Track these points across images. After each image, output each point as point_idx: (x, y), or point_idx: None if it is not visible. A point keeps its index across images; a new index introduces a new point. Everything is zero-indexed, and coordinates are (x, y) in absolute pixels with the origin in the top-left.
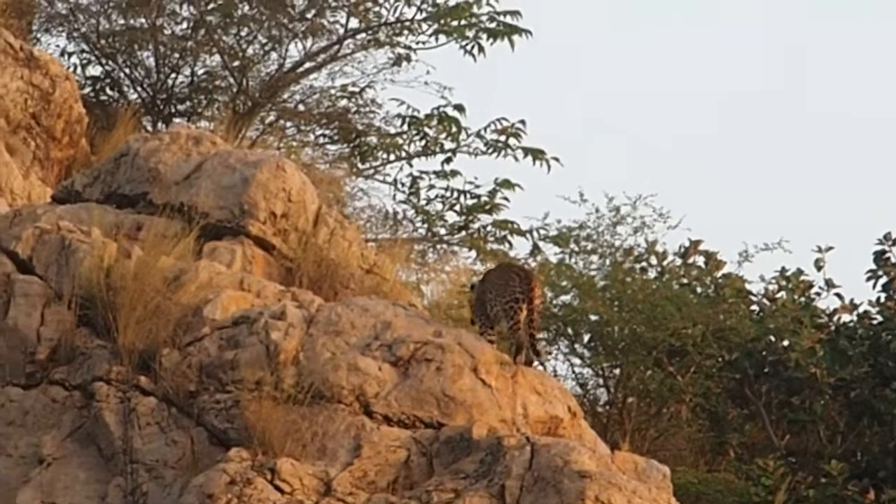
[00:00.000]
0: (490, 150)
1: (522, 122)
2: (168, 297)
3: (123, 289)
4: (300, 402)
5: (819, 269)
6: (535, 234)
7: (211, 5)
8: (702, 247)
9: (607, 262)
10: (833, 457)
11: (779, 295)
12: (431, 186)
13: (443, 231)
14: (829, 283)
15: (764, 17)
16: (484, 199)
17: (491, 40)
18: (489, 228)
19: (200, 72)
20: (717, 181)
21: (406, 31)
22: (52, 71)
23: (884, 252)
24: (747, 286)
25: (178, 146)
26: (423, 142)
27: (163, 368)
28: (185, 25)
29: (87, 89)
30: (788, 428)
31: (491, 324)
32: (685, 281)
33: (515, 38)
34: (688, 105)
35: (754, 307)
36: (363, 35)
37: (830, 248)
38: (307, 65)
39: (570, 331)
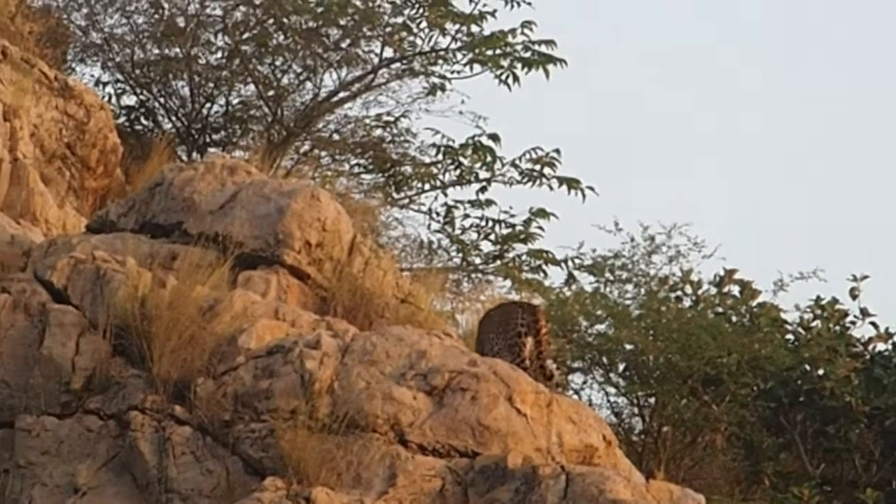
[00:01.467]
0: (525, 180)
1: (557, 151)
2: (203, 327)
3: (158, 318)
4: (335, 432)
5: (854, 297)
6: (570, 263)
7: (246, 35)
8: (737, 276)
9: (642, 291)
10: (868, 485)
11: (814, 324)
12: (466, 216)
13: (478, 260)
14: (865, 312)
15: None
16: (519, 228)
17: (526, 69)
18: (524, 258)
19: (235, 101)
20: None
21: (441, 61)
22: (87, 101)
23: None
24: (782, 315)
25: (212, 176)
26: (458, 171)
27: (198, 398)
28: (219, 55)
29: (122, 119)
30: (823, 456)
31: None
32: (720, 310)
33: (550, 67)
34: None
35: (789, 336)
36: (398, 65)
37: (866, 276)
38: (342, 94)
39: (605, 360)
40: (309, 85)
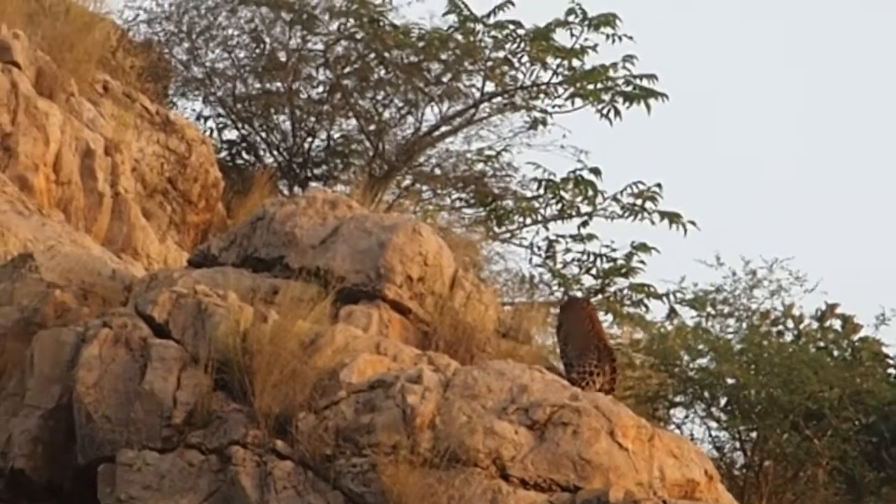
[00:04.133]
0: (626, 214)
1: (659, 185)
2: (304, 361)
3: (260, 353)
4: (436, 466)
5: None
6: (671, 297)
7: (347, 69)
8: (839, 310)
9: (744, 325)
10: None
11: None
12: (568, 250)
13: (579, 294)
14: None
15: None
16: (620, 262)
17: (627, 104)
18: (626, 292)
19: (336, 135)
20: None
21: (542, 95)
22: (189, 135)
23: None
24: (884, 349)
25: (314, 210)
26: (560, 205)
27: (299, 432)
28: (321, 89)
29: (224, 153)
30: None
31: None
32: (822, 344)
33: (651, 101)
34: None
35: (891, 370)
36: (499, 99)
37: None
38: (443, 128)
39: (706, 394)
40: (410, 119)
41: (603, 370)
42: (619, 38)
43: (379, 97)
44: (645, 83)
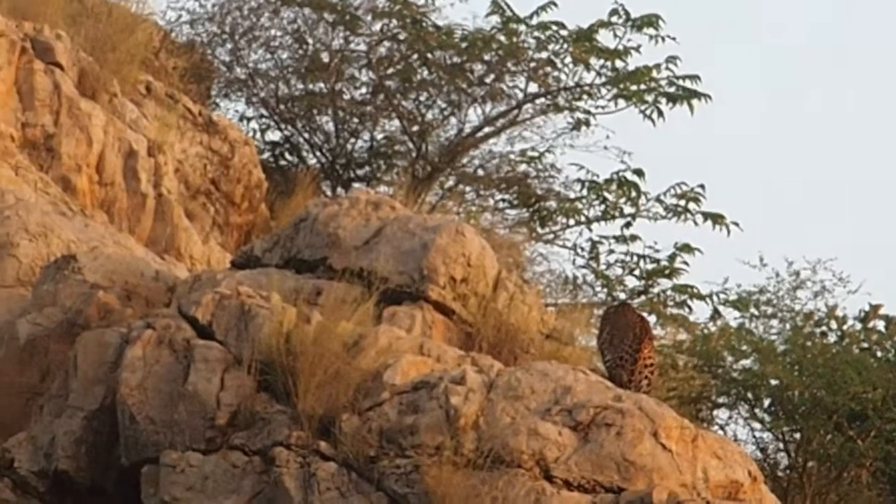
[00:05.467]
0: (670, 215)
1: (702, 186)
2: (348, 363)
3: (303, 354)
4: (480, 467)
5: None
6: (715, 298)
7: (390, 70)
8: (882, 311)
9: (787, 326)
10: None
11: None
12: (611, 251)
13: (622, 296)
14: None
15: None
16: (664, 263)
17: (670, 104)
18: (669, 293)
19: (379, 136)
20: None
21: (585, 96)
22: (231, 136)
23: None
24: None
25: (357, 211)
26: (603, 206)
27: (342, 433)
28: (364, 90)
29: (266, 154)
30: None
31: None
32: (865, 345)
33: (695, 101)
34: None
35: None
36: (542, 100)
37: None
38: (486, 129)
39: (750, 395)
40: (453, 120)
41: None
42: (663, 39)
43: (422, 98)
44: (688, 84)
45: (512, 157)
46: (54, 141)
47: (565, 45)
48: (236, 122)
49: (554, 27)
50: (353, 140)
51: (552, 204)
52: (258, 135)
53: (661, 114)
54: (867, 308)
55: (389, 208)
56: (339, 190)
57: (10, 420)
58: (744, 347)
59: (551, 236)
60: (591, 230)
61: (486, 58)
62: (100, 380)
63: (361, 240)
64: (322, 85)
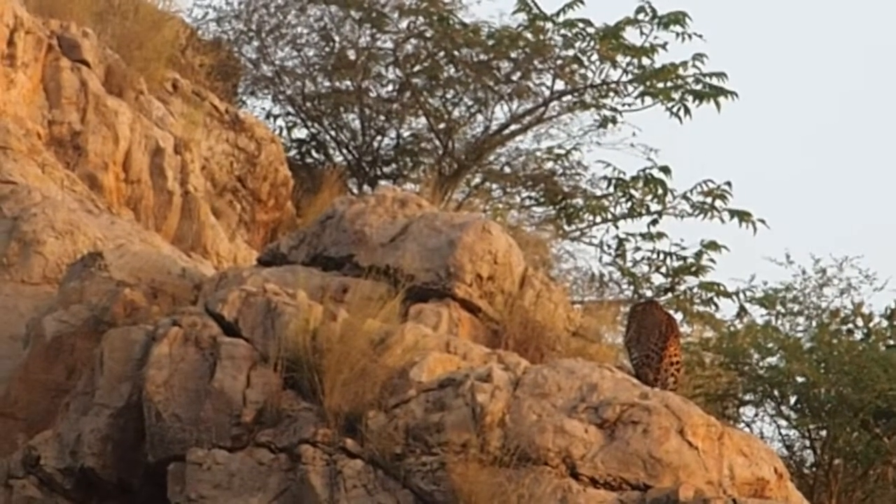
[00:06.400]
0: (696, 212)
1: (728, 183)
2: (374, 360)
3: (329, 351)
4: (506, 465)
5: None
6: (741, 295)
7: (417, 68)
8: None
9: (814, 323)
10: None
11: None
12: (637, 248)
13: (649, 293)
14: None
15: None
16: (690, 260)
17: (697, 102)
18: (695, 290)
19: (406, 134)
20: None
21: (612, 94)
22: (258, 134)
23: None
24: None
25: (383, 209)
26: (629, 204)
27: (369, 431)
28: (390, 88)
29: (293, 152)
30: None
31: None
32: (892, 342)
33: (721, 99)
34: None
35: None
36: (569, 97)
37: None
38: (513, 127)
39: (776, 393)
40: (480, 117)
41: (659, 355)
42: (689, 37)
43: (448, 96)
44: (714, 81)
45: (538, 154)
46: (81, 138)
47: (592, 43)
48: (263, 120)
49: (580, 24)
50: (379, 137)
51: (579, 201)
52: (284, 132)
53: (687, 111)
54: (893, 305)
55: (416, 206)
56: (366, 187)
57: (37, 417)
58: (770, 345)
59: (578, 234)
60: (617, 227)
61: (513, 55)
62: (126, 377)
63: (388, 237)
64: (349, 82)
